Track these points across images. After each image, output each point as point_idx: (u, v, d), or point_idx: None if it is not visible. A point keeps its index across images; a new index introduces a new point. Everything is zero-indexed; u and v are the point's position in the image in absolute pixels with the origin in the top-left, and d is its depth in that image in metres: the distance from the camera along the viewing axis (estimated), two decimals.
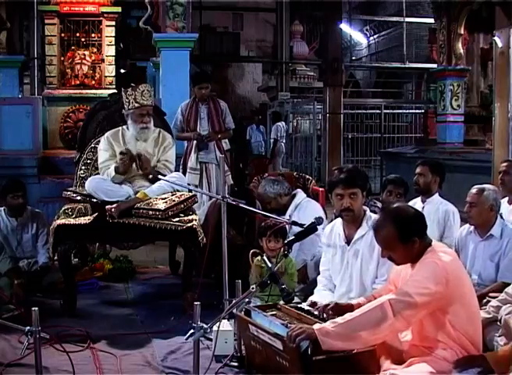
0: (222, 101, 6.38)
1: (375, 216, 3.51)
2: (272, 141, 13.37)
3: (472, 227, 4.02)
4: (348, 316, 2.76)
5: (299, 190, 4.93)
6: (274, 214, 4.48)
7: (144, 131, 4.70)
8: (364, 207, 3.62)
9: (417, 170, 4.76)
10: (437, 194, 4.74)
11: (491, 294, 3.63)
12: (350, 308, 3.07)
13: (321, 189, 5.16)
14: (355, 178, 3.50)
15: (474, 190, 3.95)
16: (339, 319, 2.76)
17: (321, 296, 3.61)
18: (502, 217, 4.01)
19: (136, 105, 4.66)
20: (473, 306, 2.86)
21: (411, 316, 2.72)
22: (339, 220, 3.70)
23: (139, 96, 4.64)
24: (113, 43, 8.93)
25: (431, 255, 2.80)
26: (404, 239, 2.80)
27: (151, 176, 4.60)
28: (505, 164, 4.72)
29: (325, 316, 3.09)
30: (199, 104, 6.17)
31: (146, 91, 4.65)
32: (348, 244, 3.57)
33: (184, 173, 5.98)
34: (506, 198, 4.54)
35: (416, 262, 2.84)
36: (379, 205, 4.63)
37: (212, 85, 6.26)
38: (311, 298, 3.57)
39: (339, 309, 3.08)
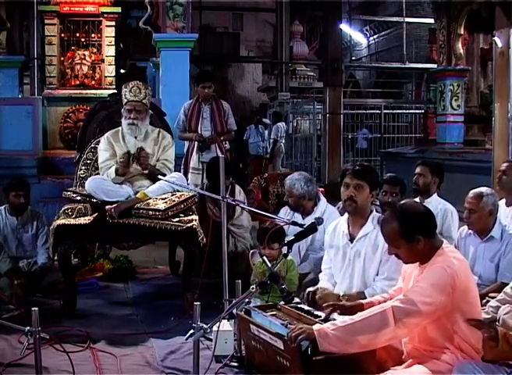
0: (224, 101, 6.39)
1: (380, 215, 3.53)
2: (271, 141, 13.38)
3: None
4: (349, 319, 2.74)
5: (321, 194, 4.87)
6: (291, 209, 4.52)
7: (131, 127, 4.66)
8: (372, 207, 3.62)
9: (417, 171, 4.76)
10: (436, 195, 4.75)
11: (490, 295, 3.64)
12: (360, 307, 3.04)
13: (320, 189, 5.15)
14: (364, 171, 3.54)
15: (471, 195, 3.93)
16: (340, 322, 2.75)
17: (324, 284, 3.64)
18: None
19: (125, 100, 4.68)
20: (476, 312, 2.82)
21: (414, 324, 2.70)
22: (343, 218, 3.71)
23: (127, 92, 4.65)
24: (113, 43, 8.95)
25: (441, 259, 2.74)
26: (407, 236, 2.75)
27: (146, 171, 4.60)
28: (506, 164, 4.70)
29: (331, 316, 3.07)
30: (202, 104, 6.17)
31: (135, 88, 4.64)
32: (351, 242, 3.58)
33: (185, 173, 5.98)
34: (504, 200, 4.52)
35: (425, 263, 2.79)
36: (377, 203, 4.62)
37: (214, 85, 6.26)
38: (319, 285, 3.61)
39: (345, 309, 3.05)
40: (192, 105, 6.19)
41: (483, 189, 4.00)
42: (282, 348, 2.86)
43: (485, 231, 3.92)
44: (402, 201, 3.02)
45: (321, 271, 3.87)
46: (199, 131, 6.10)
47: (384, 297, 3.10)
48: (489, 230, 3.91)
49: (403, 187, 4.71)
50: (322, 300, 3.43)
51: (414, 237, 2.74)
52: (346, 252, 3.60)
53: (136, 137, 4.70)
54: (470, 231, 4.02)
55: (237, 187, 5.49)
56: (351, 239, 3.58)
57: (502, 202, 4.46)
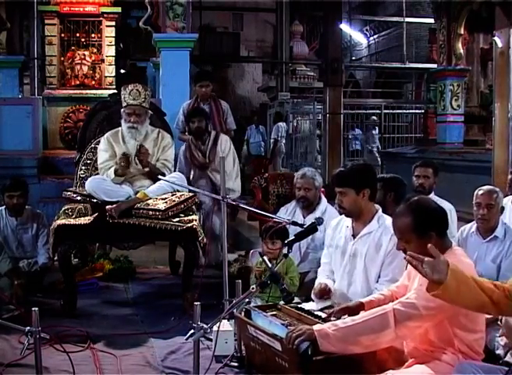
0: (223, 101, 6.39)
1: (386, 216, 3.52)
2: (272, 141, 13.37)
3: (474, 228, 4.00)
4: (350, 320, 2.74)
5: (321, 193, 4.86)
6: (304, 205, 4.55)
7: (131, 131, 4.68)
8: (377, 206, 3.62)
9: (422, 173, 4.73)
10: (433, 193, 4.76)
11: None
12: (361, 307, 3.05)
13: (321, 189, 5.14)
14: (343, 178, 3.55)
15: (485, 191, 3.90)
16: (341, 323, 2.74)
17: (325, 281, 3.64)
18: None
19: (124, 103, 4.69)
20: (479, 316, 2.78)
21: (414, 327, 2.69)
22: None
23: (127, 96, 4.66)
24: (113, 43, 8.96)
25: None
26: (420, 231, 2.72)
27: (147, 169, 4.61)
28: None
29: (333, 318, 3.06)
30: (200, 104, 6.18)
31: (134, 91, 4.65)
32: (354, 238, 3.57)
33: None
34: (510, 198, 4.52)
35: None
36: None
37: (213, 85, 6.27)
38: (319, 281, 3.62)
39: (350, 311, 3.04)
40: (191, 105, 6.20)
41: (491, 186, 4.00)
42: (279, 349, 2.85)
43: (491, 229, 3.91)
44: (417, 197, 2.96)
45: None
46: None
47: (384, 294, 3.10)
48: (494, 229, 3.91)
49: (399, 188, 4.58)
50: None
51: (426, 233, 2.71)
52: (347, 248, 3.59)
53: (135, 139, 4.71)
54: (473, 230, 4.00)
55: (223, 136, 5.64)
56: (354, 235, 3.58)
57: (508, 200, 4.46)
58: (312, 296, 3.64)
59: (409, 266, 2.96)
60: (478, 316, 2.77)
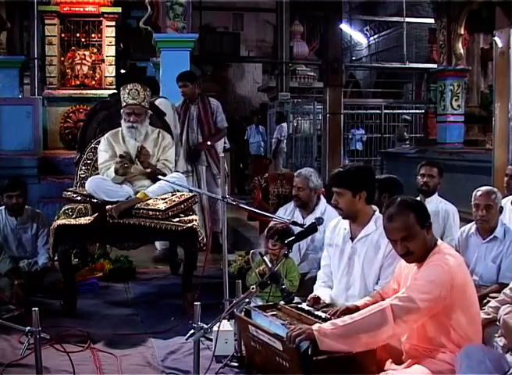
0: (213, 99, 6.37)
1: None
2: (274, 141, 13.37)
3: (474, 229, 4.00)
4: (348, 318, 2.75)
5: (321, 194, 4.86)
6: (298, 204, 4.59)
7: (131, 130, 4.68)
8: (374, 207, 3.62)
9: (427, 171, 4.73)
10: (436, 194, 4.76)
11: (491, 295, 3.64)
12: (357, 310, 3.06)
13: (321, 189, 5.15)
14: (340, 177, 3.53)
15: (483, 191, 3.91)
16: (339, 322, 2.75)
17: (322, 292, 3.61)
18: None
19: (124, 103, 4.69)
20: (474, 309, 2.84)
21: (412, 321, 2.71)
22: None
23: (126, 95, 4.66)
24: (113, 43, 8.94)
25: (438, 257, 2.76)
26: (422, 223, 2.80)
27: (148, 170, 4.61)
28: (511, 167, 4.74)
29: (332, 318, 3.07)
30: (189, 104, 6.18)
31: (133, 91, 4.65)
32: (352, 241, 3.56)
33: None
34: (509, 199, 4.52)
35: (422, 261, 2.81)
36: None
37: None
38: (313, 294, 3.59)
39: (349, 312, 3.04)
40: (181, 106, 6.20)
41: (490, 187, 4.00)
42: (280, 349, 2.85)
43: (490, 229, 3.91)
44: (400, 197, 2.99)
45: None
46: (184, 133, 6.10)
47: (374, 297, 3.13)
48: (494, 229, 3.91)
49: (394, 189, 4.54)
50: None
51: (426, 224, 2.82)
52: (345, 250, 3.58)
53: (136, 139, 4.71)
54: (472, 231, 4.00)
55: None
56: (352, 238, 3.57)
57: (507, 200, 4.45)
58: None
59: (397, 269, 3.02)
60: (473, 307, 2.82)
